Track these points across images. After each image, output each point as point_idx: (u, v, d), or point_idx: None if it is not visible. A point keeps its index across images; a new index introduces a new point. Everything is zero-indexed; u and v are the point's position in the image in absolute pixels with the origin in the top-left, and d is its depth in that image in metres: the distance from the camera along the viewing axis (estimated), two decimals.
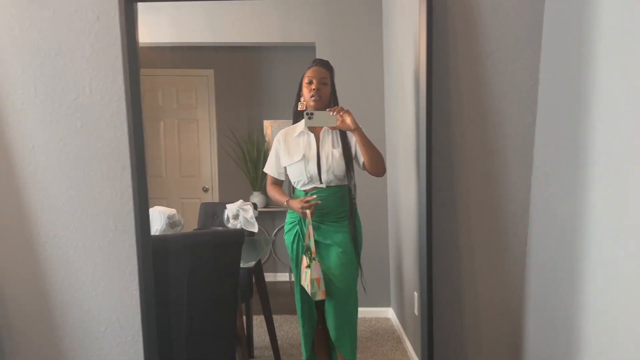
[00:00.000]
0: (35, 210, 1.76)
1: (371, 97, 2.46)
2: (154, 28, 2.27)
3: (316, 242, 2.06)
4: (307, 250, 2.04)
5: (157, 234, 2.27)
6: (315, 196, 2.03)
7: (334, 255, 2.07)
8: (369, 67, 2.46)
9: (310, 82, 2.03)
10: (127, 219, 1.74)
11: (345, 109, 1.94)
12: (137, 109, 1.68)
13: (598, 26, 1.43)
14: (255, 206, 2.63)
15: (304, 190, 2.09)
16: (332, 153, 2.03)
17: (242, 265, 2.12)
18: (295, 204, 2.05)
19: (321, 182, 2.06)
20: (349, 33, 2.47)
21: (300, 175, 2.07)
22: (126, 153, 1.71)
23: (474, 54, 1.76)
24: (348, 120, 1.92)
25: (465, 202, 1.83)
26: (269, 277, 2.76)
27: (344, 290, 2.09)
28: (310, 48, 2.47)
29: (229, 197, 2.57)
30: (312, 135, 2.08)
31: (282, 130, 2.15)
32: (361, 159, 2.03)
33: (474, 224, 1.84)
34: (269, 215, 2.76)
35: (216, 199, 2.63)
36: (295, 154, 2.07)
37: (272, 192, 2.18)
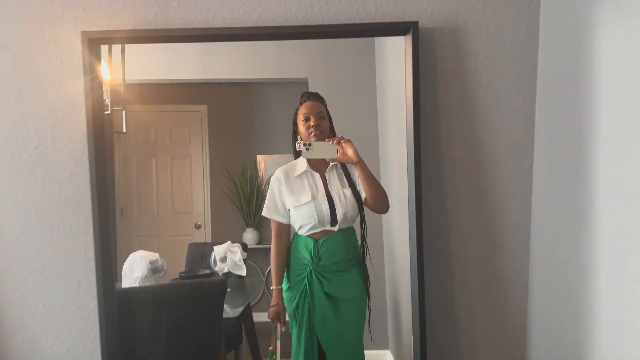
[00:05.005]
0: None
1: (365, 135, 2.37)
2: (146, 65, 2.20)
3: (326, 294, 1.90)
4: (272, 355, 1.93)
5: (138, 280, 2.17)
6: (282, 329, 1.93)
7: (344, 314, 1.91)
8: (362, 104, 2.37)
9: (307, 119, 1.88)
10: (91, 276, 1.65)
11: (347, 138, 1.80)
12: (102, 157, 1.60)
13: (595, 67, 1.40)
14: (245, 247, 2.52)
15: (310, 237, 1.90)
16: (344, 193, 1.89)
17: (229, 312, 2.04)
18: (275, 301, 1.93)
19: (333, 225, 1.88)
20: (341, 69, 2.41)
21: (309, 219, 1.88)
22: (90, 206, 1.61)
23: (464, 96, 1.70)
24: (350, 151, 1.77)
25: (460, 250, 1.77)
26: (261, 316, 2.63)
27: (351, 347, 1.94)
28: (304, 83, 2.41)
29: (221, 234, 2.49)
30: (317, 174, 1.92)
31: (281, 169, 1.96)
32: (363, 194, 1.89)
33: (471, 274, 1.78)
34: (262, 252, 2.64)
35: (209, 236, 2.54)
36: (302, 195, 1.89)
37: (276, 256, 1.97)
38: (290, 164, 1.97)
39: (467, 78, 1.69)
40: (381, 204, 1.87)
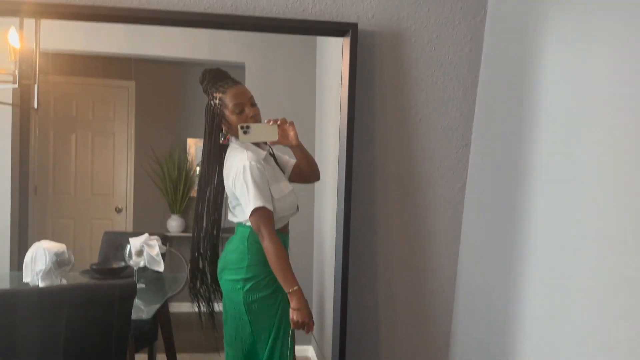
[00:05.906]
0: None
1: (301, 126, 2.27)
2: (68, 33, 2.04)
3: None
4: None
5: (40, 274, 2.00)
6: None
7: None
8: (300, 94, 2.29)
9: (241, 111, 1.60)
10: None
11: (289, 120, 1.61)
12: None
13: (537, 89, 1.39)
14: (165, 238, 2.37)
15: (281, 230, 1.67)
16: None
17: (143, 310, 1.95)
18: (301, 302, 1.55)
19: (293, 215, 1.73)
20: (281, 55, 2.30)
21: (291, 209, 1.68)
22: None
23: (402, 108, 1.65)
24: (292, 133, 1.61)
25: (387, 269, 1.74)
26: (184, 307, 2.52)
27: None
28: (240, 67, 2.28)
29: (144, 219, 2.42)
30: (271, 159, 1.70)
31: (251, 154, 1.62)
32: (286, 172, 1.74)
33: (396, 290, 1.75)
34: (187, 241, 2.48)
35: (130, 221, 2.45)
36: (282, 182, 1.66)
37: (283, 251, 1.59)
38: (246, 147, 1.65)
39: (406, 89, 1.63)
40: (317, 174, 1.77)
